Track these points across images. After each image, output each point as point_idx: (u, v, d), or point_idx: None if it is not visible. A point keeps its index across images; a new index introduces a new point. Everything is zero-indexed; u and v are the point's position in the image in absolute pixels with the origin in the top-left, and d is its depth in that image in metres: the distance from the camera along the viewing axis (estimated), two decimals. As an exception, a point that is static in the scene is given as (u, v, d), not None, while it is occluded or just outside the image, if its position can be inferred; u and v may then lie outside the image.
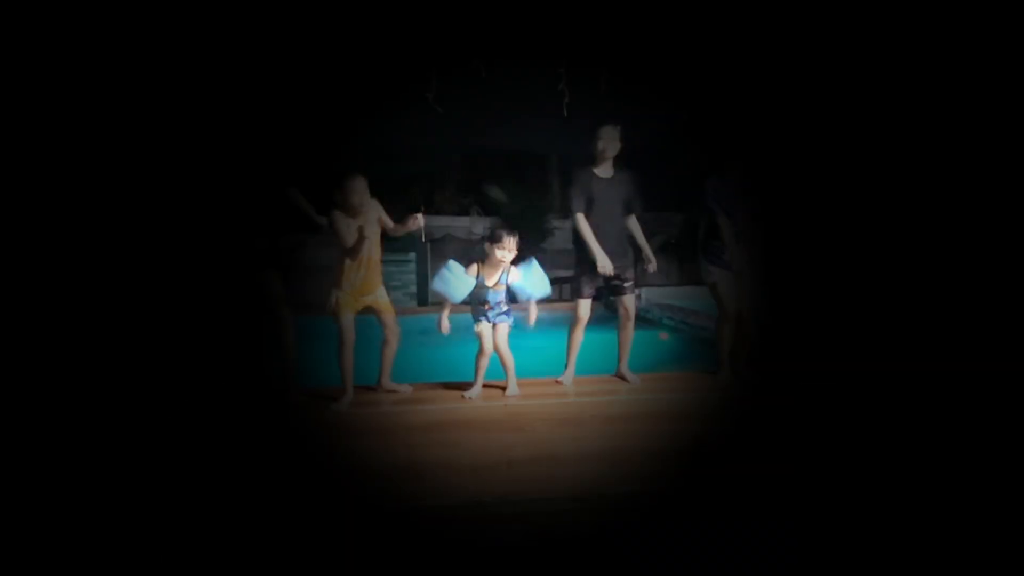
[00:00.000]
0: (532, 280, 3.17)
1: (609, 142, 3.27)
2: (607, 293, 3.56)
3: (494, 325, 3.20)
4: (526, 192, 11.39)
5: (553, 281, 3.43)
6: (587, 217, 3.30)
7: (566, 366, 3.51)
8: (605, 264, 3.24)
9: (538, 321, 3.20)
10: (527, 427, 3.06)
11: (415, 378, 3.43)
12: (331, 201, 3.03)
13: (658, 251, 13.21)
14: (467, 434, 3.02)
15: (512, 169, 11.26)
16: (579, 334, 3.52)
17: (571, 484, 3.09)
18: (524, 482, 3.05)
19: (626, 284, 3.44)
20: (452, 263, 3.15)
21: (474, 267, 3.16)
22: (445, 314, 3.15)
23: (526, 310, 3.20)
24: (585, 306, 3.48)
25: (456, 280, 3.08)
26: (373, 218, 3.11)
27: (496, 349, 3.19)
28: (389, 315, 3.23)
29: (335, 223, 2.98)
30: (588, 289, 3.47)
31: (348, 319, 3.09)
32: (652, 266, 3.40)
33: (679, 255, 12.08)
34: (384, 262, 3.24)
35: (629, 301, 3.47)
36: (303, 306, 3.32)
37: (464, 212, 12.32)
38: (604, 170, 3.35)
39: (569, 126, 4.08)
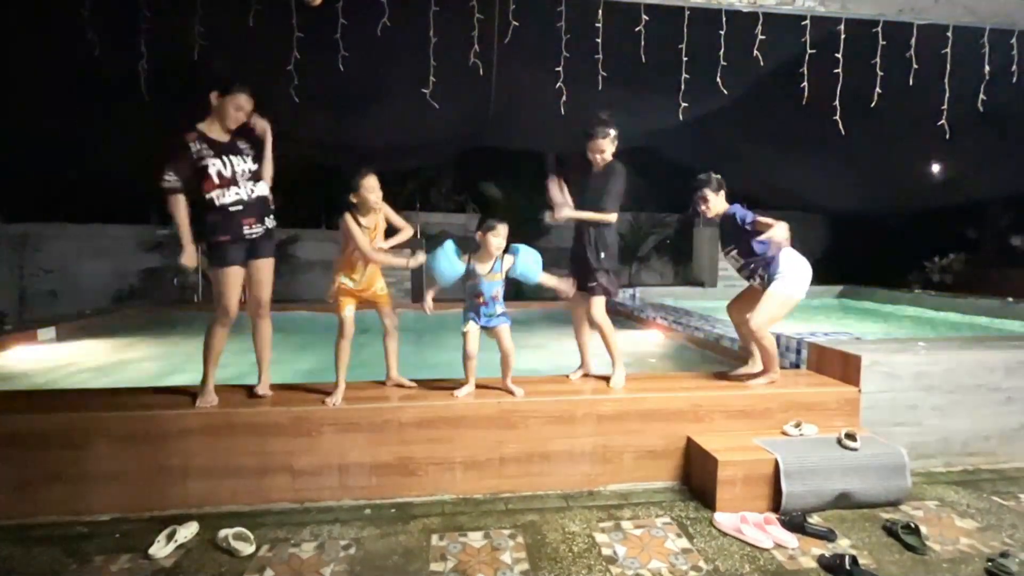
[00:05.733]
0: (527, 263, 3.14)
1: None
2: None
3: (493, 328, 3.14)
4: (522, 189, 11.36)
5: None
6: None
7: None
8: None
9: (535, 320, 3.19)
10: (519, 424, 3.07)
11: (407, 374, 3.43)
12: (344, 201, 3.02)
13: (653, 251, 13.09)
14: (460, 431, 3.02)
15: (508, 166, 11.20)
16: (582, 329, 3.57)
17: (562, 481, 3.12)
18: (516, 478, 3.07)
19: (590, 284, 3.38)
20: (449, 242, 3.13)
21: (466, 256, 3.13)
22: (430, 295, 3.12)
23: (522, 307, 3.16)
24: (578, 299, 3.48)
25: (448, 260, 3.05)
26: (381, 217, 3.13)
27: (501, 349, 3.17)
28: (387, 305, 3.22)
29: (350, 227, 2.96)
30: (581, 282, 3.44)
31: (349, 312, 3.08)
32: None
33: (673, 256, 12.11)
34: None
35: (593, 304, 3.39)
36: (295, 300, 3.30)
37: (460, 209, 12.31)
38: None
39: (566, 123, 4.07)
